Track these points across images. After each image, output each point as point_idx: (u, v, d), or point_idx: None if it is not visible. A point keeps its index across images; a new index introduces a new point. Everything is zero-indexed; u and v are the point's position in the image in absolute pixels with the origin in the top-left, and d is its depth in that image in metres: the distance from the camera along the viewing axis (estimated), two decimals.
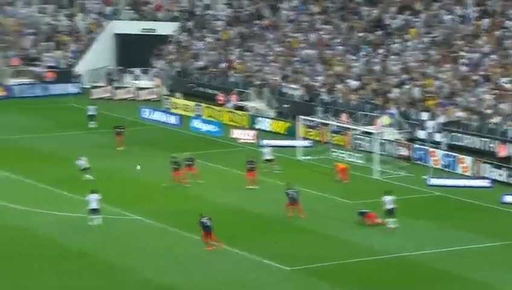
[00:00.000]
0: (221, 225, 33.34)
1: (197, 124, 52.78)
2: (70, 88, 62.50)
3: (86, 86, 63.11)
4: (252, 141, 48.93)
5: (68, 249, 31.40)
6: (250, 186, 39.17)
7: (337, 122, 47.58)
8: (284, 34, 61.51)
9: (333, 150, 45.76)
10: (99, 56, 66.17)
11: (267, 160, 42.49)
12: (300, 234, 33.35)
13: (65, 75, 63.98)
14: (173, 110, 56.37)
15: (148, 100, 60.35)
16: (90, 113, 52.52)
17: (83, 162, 39.73)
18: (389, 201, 33.78)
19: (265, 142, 46.92)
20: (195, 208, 34.05)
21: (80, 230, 33.39)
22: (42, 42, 66.52)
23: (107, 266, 29.71)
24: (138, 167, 36.22)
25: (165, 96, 59.20)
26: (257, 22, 64.15)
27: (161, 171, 40.43)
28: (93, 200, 33.63)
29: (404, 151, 45.14)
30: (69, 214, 35.20)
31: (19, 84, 61.94)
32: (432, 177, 40.89)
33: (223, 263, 30.25)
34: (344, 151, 45.49)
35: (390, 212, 33.61)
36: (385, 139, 45.83)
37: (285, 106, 53.72)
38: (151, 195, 38.42)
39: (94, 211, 33.66)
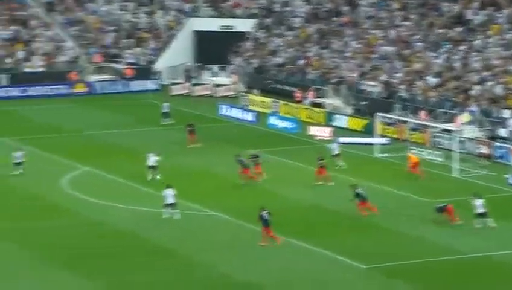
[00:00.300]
0: (296, 221, 33.57)
1: (273, 120, 52.95)
2: (150, 85, 63.39)
3: (164, 83, 63.96)
4: (329, 138, 48.79)
5: (147, 244, 31.82)
6: (319, 183, 39.09)
7: (416, 119, 47.06)
8: (362, 30, 61.12)
9: (411, 147, 45.27)
10: (178, 53, 66.90)
11: (335, 155, 42.38)
12: (376, 231, 33.10)
13: (145, 71, 64.98)
14: (250, 107, 56.64)
15: (226, 97, 60.79)
16: (164, 110, 52.96)
17: (151, 159, 39.82)
18: (479, 205, 33.06)
19: (341, 139, 46.81)
20: (270, 204, 34.09)
21: (158, 225, 33.81)
22: (123, 39, 67.74)
23: (186, 261, 29.97)
24: (158, 177, 36.61)
25: (243, 93, 59.53)
26: (335, 18, 63.91)
27: (237, 168, 40.69)
28: (169, 195, 34.08)
29: (484, 150, 44.33)
30: (148, 209, 35.69)
31: (100, 81, 63.14)
32: None
33: (299, 259, 30.27)
34: (423, 149, 44.97)
35: (481, 216, 32.91)
36: (465, 137, 45.09)
37: (363, 103, 53.38)
38: (227, 191, 38.65)
39: (170, 205, 34.12)
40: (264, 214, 31.36)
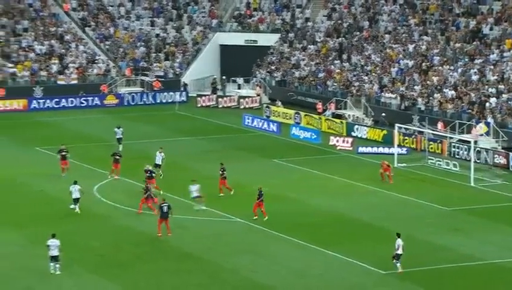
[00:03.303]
0: (317, 227, 34.87)
1: (296, 131, 54.37)
2: (177, 97, 64.69)
3: (191, 95, 65.60)
4: (349, 149, 50.28)
5: (173, 249, 33.05)
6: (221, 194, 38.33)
7: (433, 130, 48.29)
8: (382, 44, 62.54)
9: (430, 157, 46.55)
10: (204, 66, 68.58)
11: (157, 165, 41.94)
12: (394, 238, 34.07)
13: (172, 84, 66.65)
14: (273, 118, 58.07)
15: (250, 108, 62.35)
16: (117, 136, 48.66)
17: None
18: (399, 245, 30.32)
19: (360, 149, 48.40)
20: (294, 212, 35.39)
21: (182, 231, 34.76)
22: (152, 53, 69.56)
23: (212, 266, 30.92)
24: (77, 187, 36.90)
25: (266, 105, 61.09)
26: (356, 33, 65.38)
27: (261, 176, 42.07)
28: (75, 190, 36.43)
29: (501, 160, 45.52)
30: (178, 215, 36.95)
31: (129, 93, 64.74)
32: None
33: (320, 265, 31.29)
34: (441, 159, 46.18)
35: (397, 256, 30.62)
36: (481, 148, 46.37)
37: (383, 114, 54.82)
38: (248, 199, 38.84)
39: (76, 200, 36.50)
40: (164, 206, 33.34)
